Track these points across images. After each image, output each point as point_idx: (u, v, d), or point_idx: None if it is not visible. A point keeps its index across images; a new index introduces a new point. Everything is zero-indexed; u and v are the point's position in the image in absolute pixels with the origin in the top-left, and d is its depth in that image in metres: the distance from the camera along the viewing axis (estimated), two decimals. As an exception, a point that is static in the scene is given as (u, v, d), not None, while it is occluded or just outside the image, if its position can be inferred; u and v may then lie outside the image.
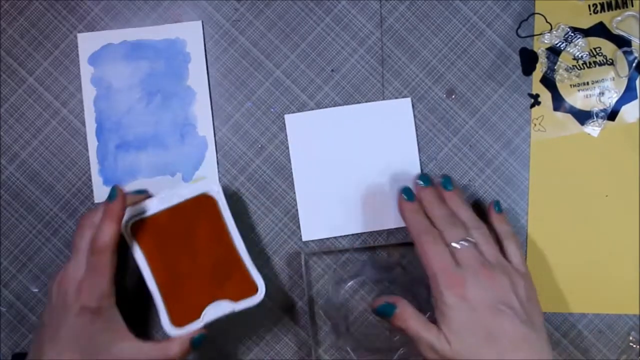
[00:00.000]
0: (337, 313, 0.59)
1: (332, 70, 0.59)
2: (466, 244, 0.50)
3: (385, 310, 0.51)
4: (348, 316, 0.59)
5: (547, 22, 0.58)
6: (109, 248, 0.49)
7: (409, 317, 0.50)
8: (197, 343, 0.51)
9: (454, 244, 0.50)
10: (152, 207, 0.53)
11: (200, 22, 0.59)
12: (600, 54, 0.58)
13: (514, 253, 0.53)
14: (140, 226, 0.53)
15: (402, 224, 0.58)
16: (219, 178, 0.59)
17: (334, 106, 0.59)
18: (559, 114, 0.58)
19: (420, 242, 0.51)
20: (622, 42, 0.58)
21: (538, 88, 0.59)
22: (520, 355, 0.47)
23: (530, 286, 0.51)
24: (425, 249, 0.50)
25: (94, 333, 0.49)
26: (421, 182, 0.55)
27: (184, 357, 0.51)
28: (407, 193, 0.54)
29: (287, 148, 0.59)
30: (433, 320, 0.50)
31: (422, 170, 0.58)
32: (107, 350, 0.49)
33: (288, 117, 0.59)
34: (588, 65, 0.58)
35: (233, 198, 0.59)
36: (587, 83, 0.58)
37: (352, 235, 0.59)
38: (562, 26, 0.58)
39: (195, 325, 0.51)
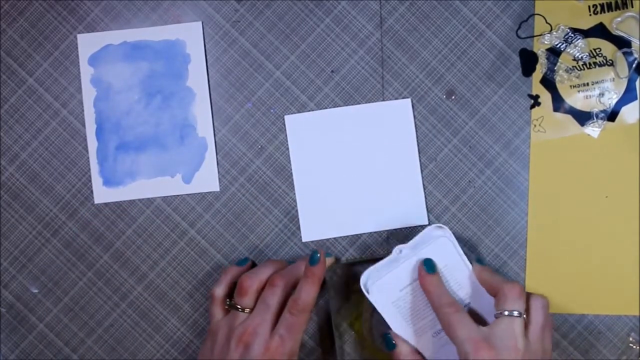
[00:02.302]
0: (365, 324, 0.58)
1: (332, 71, 0.59)
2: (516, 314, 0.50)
3: (387, 343, 0.54)
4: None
5: (547, 23, 0.58)
6: (310, 309, 0.52)
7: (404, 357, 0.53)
8: None
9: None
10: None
11: (200, 23, 0.59)
12: (600, 55, 0.58)
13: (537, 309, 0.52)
14: None
15: (402, 225, 0.58)
16: (219, 179, 0.59)
17: (334, 107, 0.59)
18: (558, 115, 0.58)
19: (444, 313, 0.51)
20: (622, 43, 0.58)
21: (538, 89, 0.59)
22: None
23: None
24: (450, 320, 0.50)
25: None
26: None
27: None
28: (428, 265, 0.53)
29: (287, 149, 0.59)
30: None
31: (422, 171, 0.58)
32: None
33: (288, 118, 0.59)
34: (588, 66, 0.58)
35: (233, 199, 0.59)
36: (587, 84, 0.58)
37: (352, 236, 0.59)
38: (562, 27, 0.58)
39: None
